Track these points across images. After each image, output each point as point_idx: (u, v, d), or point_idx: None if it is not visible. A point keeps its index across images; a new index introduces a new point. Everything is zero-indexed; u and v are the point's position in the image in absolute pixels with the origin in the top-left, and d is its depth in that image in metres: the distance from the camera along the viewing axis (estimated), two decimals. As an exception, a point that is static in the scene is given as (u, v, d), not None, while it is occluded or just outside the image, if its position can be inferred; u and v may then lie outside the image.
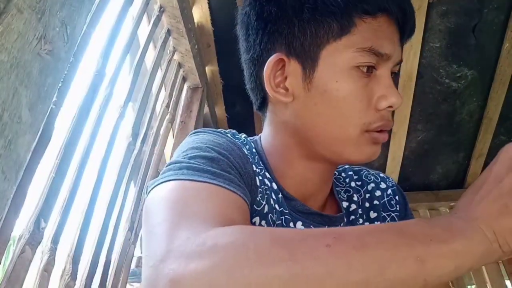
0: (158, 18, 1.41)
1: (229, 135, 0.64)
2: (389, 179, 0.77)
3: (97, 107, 0.98)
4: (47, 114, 0.63)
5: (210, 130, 0.63)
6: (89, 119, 0.94)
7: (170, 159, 0.65)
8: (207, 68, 1.97)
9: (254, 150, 0.66)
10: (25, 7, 0.54)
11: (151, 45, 1.42)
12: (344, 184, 0.74)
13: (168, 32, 1.52)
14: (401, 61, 0.62)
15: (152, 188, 0.50)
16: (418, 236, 0.38)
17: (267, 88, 0.61)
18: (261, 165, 0.64)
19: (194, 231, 0.40)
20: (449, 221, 0.40)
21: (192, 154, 0.54)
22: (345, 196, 0.72)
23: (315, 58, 0.58)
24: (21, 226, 0.71)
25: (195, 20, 1.79)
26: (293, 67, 0.60)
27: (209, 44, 1.94)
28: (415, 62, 1.93)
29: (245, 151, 0.62)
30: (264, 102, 0.66)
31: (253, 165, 0.61)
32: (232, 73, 2.06)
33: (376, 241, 0.38)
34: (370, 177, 0.75)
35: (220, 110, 2.19)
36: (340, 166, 0.77)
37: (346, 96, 0.58)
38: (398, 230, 0.39)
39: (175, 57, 1.63)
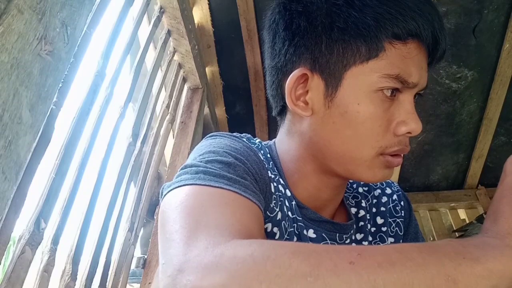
0: (159, 19, 1.41)
1: (244, 139, 0.63)
2: (393, 184, 0.77)
3: (97, 107, 0.98)
4: (48, 114, 0.63)
5: (227, 134, 0.62)
6: (89, 119, 0.94)
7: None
8: (207, 69, 1.98)
9: (268, 155, 0.66)
10: (26, 8, 0.54)
11: (151, 46, 1.42)
12: (352, 190, 0.74)
13: (169, 32, 1.52)
14: (427, 86, 0.60)
15: (168, 192, 0.49)
16: (449, 254, 0.35)
17: (287, 100, 0.61)
18: (276, 171, 0.64)
19: (213, 241, 0.39)
20: (481, 240, 0.37)
21: (209, 158, 0.53)
22: (353, 202, 0.72)
23: (339, 78, 0.57)
24: (21, 226, 0.71)
25: (195, 21, 1.80)
26: (316, 82, 0.59)
27: (209, 45, 1.94)
28: (415, 63, 1.93)
29: (261, 156, 0.61)
30: (283, 110, 0.66)
31: (268, 171, 0.61)
32: (232, 74, 2.07)
33: (403, 258, 0.35)
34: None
35: (220, 111, 2.19)
36: None
37: (366, 119, 0.57)
38: (427, 248, 0.36)
39: (175, 57, 1.63)
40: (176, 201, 0.47)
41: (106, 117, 1.02)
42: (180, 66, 1.68)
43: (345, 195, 0.72)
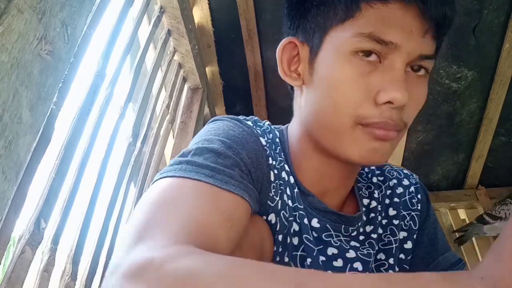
0: (159, 19, 1.41)
1: (250, 122, 0.62)
2: (412, 176, 0.74)
3: (97, 107, 0.98)
4: (48, 114, 0.63)
5: (229, 118, 0.61)
6: (89, 119, 0.94)
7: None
8: (207, 69, 1.97)
9: (278, 140, 0.64)
10: (26, 8, 0.54)
11: (151, 46, 1.42)
12: (367, 180, 0.71)
13: (169, 32, 1.52)
14: (430, 56, 0.55)
15: (152, 183, 0.49)
16: None
17: (279, 71, 0.61)
18: (282, 156, 0.62)
19: (153, 244, 0.37)
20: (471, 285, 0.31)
21: (201, 145, 0.52)
22: (367, 192, 0.69)
23: (319, 43, 0.57)
24: (21, 226, 0.71)
25: (196, 21, 1.79)
26: (305, 51, 0.59)
27: (210, 45, 1.94)
28: (415, 63, 1.93)
29: (264, 141, 0.59)
30: (292, 90, 0.65)
31: (270, 158, 0.59)
32: (232, 74, 2.06)
33: None
34: (393, 173, 0.72)
35: (221, 111, 2.19)
36: None
37: (341, 83, 0.54)
38: (405, 281, 0.32)
39: (176, 57, 1.63)
40: (146, 195, 0.46)
41: (106, 117, 1.02)
42: (180, 66, 1.68)
43: (359, 185, 0.69)
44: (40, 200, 0.77)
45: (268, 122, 0.67)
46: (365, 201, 0.68)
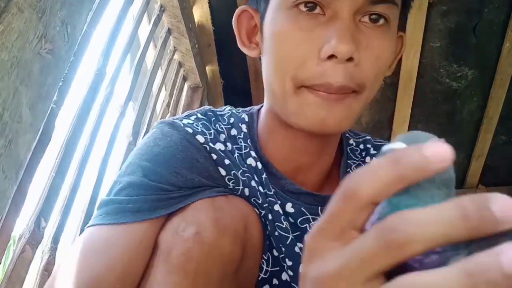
0: (159, 18, 1.41)
1: (190, 119, 0.59)
2: None
3: (97, 106, 0.98)
4: (48, 113, 0.62)
5: (164, 124, 0.58)
6: (90, 118, 0.93)
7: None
8: (207, 68, 1.97)
9: (243, 125, 0.61)
10: (26, 6, 0.54)
11: (151, 45, 1.42)
12: (359, 157, 0.65)
13: (169, 31, 1.52)
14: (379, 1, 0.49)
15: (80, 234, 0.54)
16: None
17: (237, 41, 0.59)
18: (248, 142, 0.59)
19: None
20: None
21: (123, 178, 0.54)
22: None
23: (266, 5, 0.54)
24: (21, 225, 0.71)
25: (196, 20, 1.79)
26: (257, 19, 0.57)
27: (210, 44, 1.93)
28: (415, 62, 1.93)
29: (203, 139, 0.56)
30: None
31: (213, 154, 0.56)
32: (232, 73, 2.06)
33: None
34: None
35: (221, 110, 2.18)
36: (360, 136, 0.68)
37: (281, 40, 0.50)
38: None
39: (176, 56, 1.63)
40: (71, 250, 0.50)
41: (106, 116, 1.02)
42: (180, 65, 1.68)
43: (349, 161, 0.64)
44: (40, 199, 0.77)
45: (229, 108, 0.65)
46: None
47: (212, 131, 0.59)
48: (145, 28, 1.41)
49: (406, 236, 0.20)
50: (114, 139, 1.07)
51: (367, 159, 0.64)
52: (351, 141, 0.67)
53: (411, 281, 0.20)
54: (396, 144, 0.25)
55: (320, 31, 0.48)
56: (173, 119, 0.59)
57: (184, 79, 1.74)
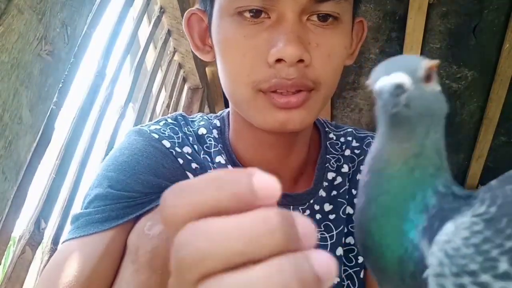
0: (159, 19, 1.41)
1: (158, 125, 0.58)
2: None
3: (97, 107, 0.98)
4: (48, 114, 0.63)
5: (131, 132, 0.58)
6: (90, 119, 0.94)
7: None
8: (207, 69, 1.97)
9: (213, 129, 0.60)
10: (26, 8, 0.54)
11: (151, 46, 1.42)
12: (339, 151, 0.63)
13: (169, 32, 1.52)
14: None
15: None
16: None
17: (191, 45, 0.57)
18: (218, 147, 0.59)
19: None
20: None
21: (92, 191, 0.54)
22: (335, 165, 0.61)
23: (211, 8, 0.53)
24: (21, 226, 0.71)
25: (196, 21, 1.79)
26: (207, 21, 0.56)
27: (210, 45, 1.94)
28: (415, 63, 1.93)
29: (169, 144, 0.55)
30: None
31: (180, 158, 0.55)
32: (232, 74, 2.06)
33: None
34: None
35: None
36: (341, 129, 0.66)
37: (229, 47, 0.49)
38: None
39: (176, 57, 1.63)
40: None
41: (106, 117, 1.02)
42: (180, 66, 1.68)
43: (328, 156, 0.62)
44: (40, 200, 0.77)
45: (201, 114, 0.64)
46: (330, 175, 0.60)
47: (180, 134, 0.58)
48: (145, 29, 1.41)
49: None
50: (114, 141, 1.07)
51: (347, 152, 0.63)
52: (331, 135, 0.65)
53: (226, 283, 0.19)
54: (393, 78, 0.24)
55: (266, 36, 0.47)
56: (141, 126, 0.59)
57: (184, 80, 1.74)
